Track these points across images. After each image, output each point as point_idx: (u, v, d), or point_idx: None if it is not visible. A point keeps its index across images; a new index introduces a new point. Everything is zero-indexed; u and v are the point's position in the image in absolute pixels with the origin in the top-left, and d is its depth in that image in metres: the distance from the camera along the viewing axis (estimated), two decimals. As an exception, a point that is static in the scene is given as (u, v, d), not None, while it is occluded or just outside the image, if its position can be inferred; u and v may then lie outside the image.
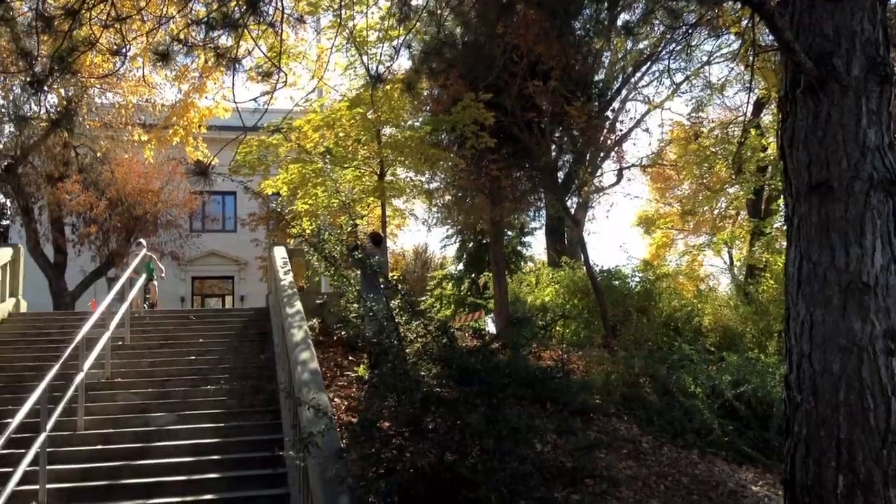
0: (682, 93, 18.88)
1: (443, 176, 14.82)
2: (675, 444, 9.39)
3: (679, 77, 17.56)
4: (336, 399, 8.69)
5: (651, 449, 9.05)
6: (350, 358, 10.51)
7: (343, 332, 11.22)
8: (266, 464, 7.30)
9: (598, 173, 17.25)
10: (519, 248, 25.68)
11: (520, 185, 14.87)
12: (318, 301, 12.46)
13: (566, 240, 20.48)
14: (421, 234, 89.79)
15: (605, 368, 11.13)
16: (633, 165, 18.44)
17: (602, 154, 15.67)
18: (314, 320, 11.15)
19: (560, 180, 14.84)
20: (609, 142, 15.49)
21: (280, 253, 12.69)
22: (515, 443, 4.33)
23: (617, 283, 15.18)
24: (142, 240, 15.54)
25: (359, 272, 10.48)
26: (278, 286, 10.91)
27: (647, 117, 21.85)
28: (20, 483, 6.00)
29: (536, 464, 4.54)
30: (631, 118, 19.01)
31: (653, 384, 10.81)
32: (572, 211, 15.96)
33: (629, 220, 58.20)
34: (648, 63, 16.17)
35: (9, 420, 7.67)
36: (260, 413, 8.55)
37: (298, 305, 9.45)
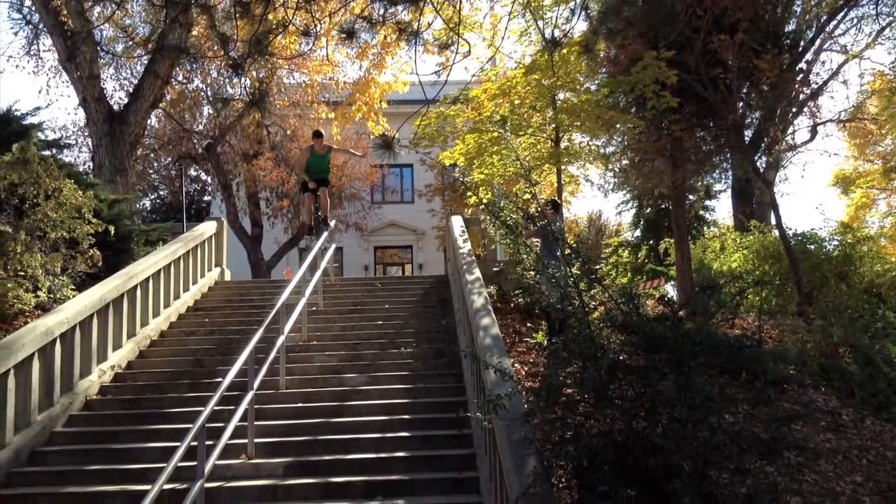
0: (884, 40, 17.12)
1: (620, 139, 14.43)
2: (879, 417, 8.73)
3: (881, 22, 15.93)
4: (516, 365, 8.79)
5: (852, 422, 8.46)
6: (528, 325, 10.57)
7: (521, 300, 11.31)
8: (452, 425, 7.54)
9: (790, 130, 16.09)
10: (701, 212, 24.56)
11: (703, 146, 14.18)
12: (494, 269, 12.63)
13: (754, 202, 19.34)
14: (594, 200, 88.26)
15: (800, 337, 10.50)
16: (828, 121, 17.11)
17: (794, 109, 14.58)
18: (491, 287, 11.30)
19: (748, 139, 13.98)
20: (802, 96, 14.38)
21: (457, 222, 12.94)
22: (707, 412, 4.18)
23: (812, 247, 14.18)
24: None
25: (536, 240, 10.48)
26: (457, 254, 11.15)
27: (845, 68, 20.04)
28: (231, 437, 6.55)
29: (730, 434, 4.37)
30: (826, 70, 17.52)
31: (853, 354, 10.07)
32: (762, 171, 15.02)
33: (824, 179, 54.06)
34: (846, 9, 14.78)
35: (219, 379, 8.43)
36: (444, 376, 8.83)
37: (477, 273, 9.61)
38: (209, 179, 27.59)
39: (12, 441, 6.94)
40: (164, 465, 6.64)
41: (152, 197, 30.78)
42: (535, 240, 10.44)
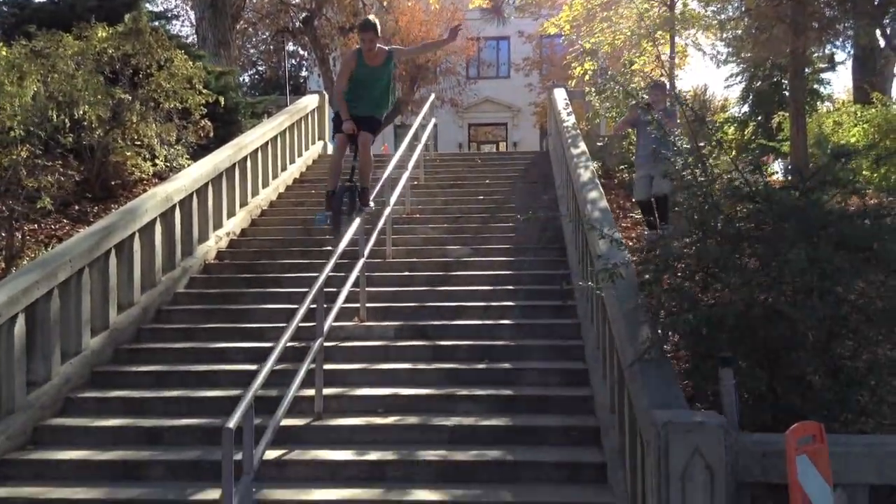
0: None
1: (737, 4, 13.49)
2: None
3: None
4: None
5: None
6: (633, 200, 10.35)
7: (625, 175, 11.06)
8: (556, 296, 7.60)
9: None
10: (816, 86, 23.09)
11: (828, 11, 13.11)
12: (598, 143, 12.31)
13: (877, 73, 17.99)
14: (699, 75, 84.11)
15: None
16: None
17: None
18: (594, 163, 11.06)
19: (877, 1, 12.83)
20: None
21: (560, 95, 12.59)
22: (836, 282, 4.04)
23: (941, 121, 13.18)
24: None
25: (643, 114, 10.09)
26: (560, 128, 10.90)
27: None
28: (345, 302, 6.80)
29: (856, 306, 4.23)
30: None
31: None
32: (890, 38, 13.84)
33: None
34: None
35: (328, 247, 8.68)
36: (547, 249, 8.84)
37: (583, 146, 9.40)
38: (306, 55, 27.60)
39: (140, 300, 7.41)
40: (282, 324, 7.07)
41: (251, 73, 31.15)
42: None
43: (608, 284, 4.99)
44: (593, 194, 7.47)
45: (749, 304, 4.11)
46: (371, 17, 8.49)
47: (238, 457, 4.62)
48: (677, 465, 3.39)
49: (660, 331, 4.52)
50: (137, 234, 7.38)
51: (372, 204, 8.05)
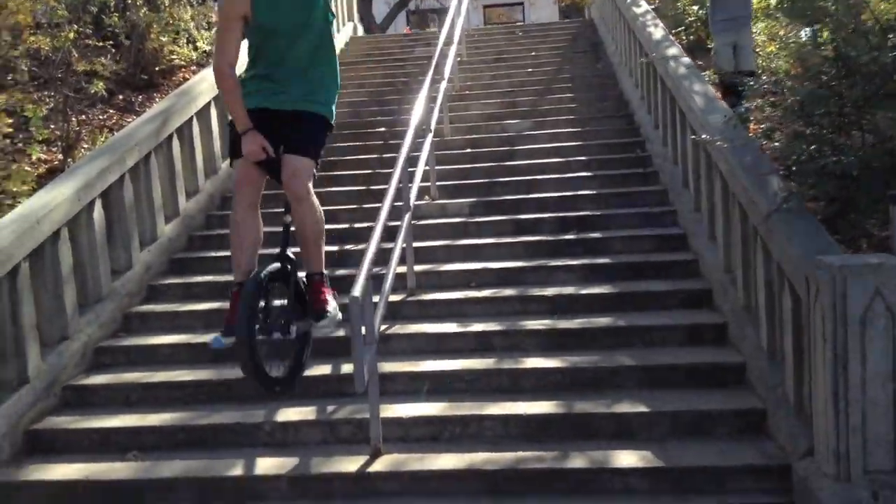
0: None
1: None
2: None
3: None
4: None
5: None
6: (699, 62, 9.89)
7: (682, 38, 10.52)
8: (633, 163, 7.31)
9: None
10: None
11: None
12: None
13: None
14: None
15: None
16: None
17: None
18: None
19: None
20: None
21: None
22: None
23: None
24: None
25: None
26: (614, -11, 10.29)
27: None
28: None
29: None
30: None
31: None
32: None
33: None
34: None
35: (381, 129, 8.38)
36: (612, 118, 8.48)
37: (646, 5, 8.85)
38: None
39: (205, 186, 7.17)
40: (349, 206, 6.92)
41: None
42: None
43: (721, 138, 4.70)
44: (672, 51, 7.04)
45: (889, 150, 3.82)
46: None
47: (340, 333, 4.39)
48: (855, 310, 3.19)
49: (793, 181, 4.26)
50: (195, 119, 7.06)
51: (332, 310, 4.17)
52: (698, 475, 3.82)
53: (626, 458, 3.93)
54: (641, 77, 8.02)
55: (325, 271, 4.21)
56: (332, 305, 4.10)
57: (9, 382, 4.58)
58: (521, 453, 4.05)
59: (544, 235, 6.31)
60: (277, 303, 4.16)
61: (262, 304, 3.93)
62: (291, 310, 4.07)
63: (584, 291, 5.44)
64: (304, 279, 4.21)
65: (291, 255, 4.17)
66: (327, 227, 6.60)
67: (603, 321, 5.08)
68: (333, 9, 4.36)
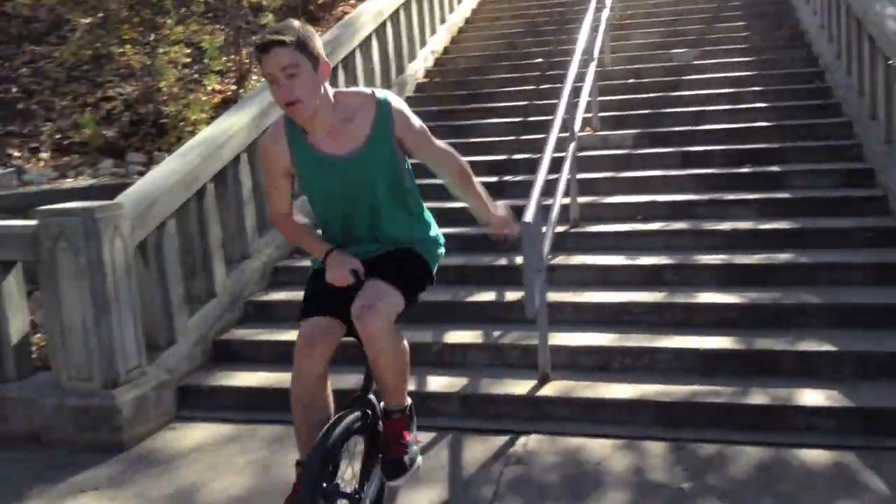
0: None
1: None
2: None
3: None
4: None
5: None
6: None
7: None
8: (811, 94, 6.81)
9: None
10: None
11: None
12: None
13: None
14: None
15: None
16: None
17: None
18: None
19: None
20: None
21: None
22: None
23: None
24: None
25: None
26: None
27: None
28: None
29: None
30: None
31: None
32: None
33: None
34: None
35: (538, 60, 8.18)
36: (788, 48, 7.90)
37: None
38: None
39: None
40: (507, 138, 6.85)
41: None
42: None
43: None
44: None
45: None
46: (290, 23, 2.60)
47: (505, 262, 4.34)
48: None
49: None
50: (358, 50, 7.17)
51: (412, 463, 2.75)
52: (890, 418, 3.58)
53: (811, 397, 3.74)
54: (820, 3, 7.40)
55: (409, 403, 2.89)
56: (413, 454, 2.77)
57: (199, 296, 4.92)
58: (695, 387, 3.94)
59: (716, 168, 6.02)
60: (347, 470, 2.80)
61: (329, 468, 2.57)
62: (368, 470, 2.88)
63: (763, 227, 5.15)
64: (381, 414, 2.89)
65: (374, 400, 2.89)
66: (484, 158, 6.71)
67: (783, 257, 4.81)
68: None
